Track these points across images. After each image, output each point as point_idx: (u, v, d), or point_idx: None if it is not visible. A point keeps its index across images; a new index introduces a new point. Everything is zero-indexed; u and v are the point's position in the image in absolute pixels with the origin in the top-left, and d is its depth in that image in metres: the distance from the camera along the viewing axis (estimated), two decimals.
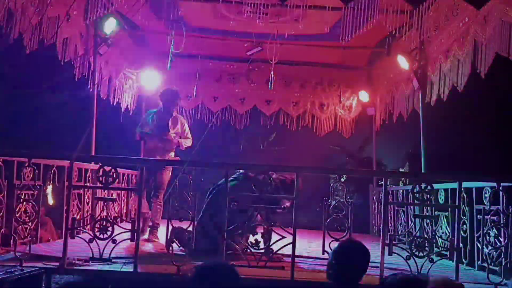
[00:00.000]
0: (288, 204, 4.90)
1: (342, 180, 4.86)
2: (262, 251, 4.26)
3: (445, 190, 5.20)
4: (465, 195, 4.75)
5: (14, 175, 4.49)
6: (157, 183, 5.94)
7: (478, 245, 4.69)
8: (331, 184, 4.45)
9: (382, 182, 4.48)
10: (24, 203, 4.42)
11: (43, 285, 3.89)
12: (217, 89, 8.81)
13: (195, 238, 4.53)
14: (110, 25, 6.32)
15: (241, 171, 5.20)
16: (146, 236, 5.73)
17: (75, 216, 5.33)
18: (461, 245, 4.59)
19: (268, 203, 4.51)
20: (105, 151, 5.96)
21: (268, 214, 4.57)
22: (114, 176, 4.24)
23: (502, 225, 4.34)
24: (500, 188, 4.26)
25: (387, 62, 7.49)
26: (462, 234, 4.81)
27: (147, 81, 7.98)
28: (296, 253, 4.19)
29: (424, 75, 6.33)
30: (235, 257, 4.32)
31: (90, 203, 5.94)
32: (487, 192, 4.49)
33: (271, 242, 4.26)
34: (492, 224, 4.39)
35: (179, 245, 4.59)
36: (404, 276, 2.94)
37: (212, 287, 2.53)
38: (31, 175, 4.43)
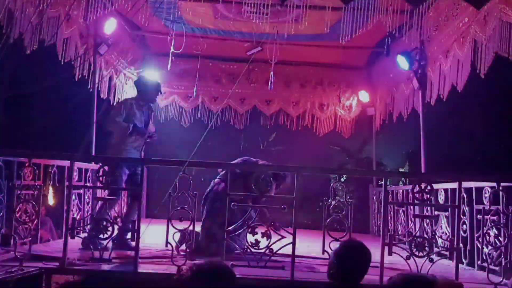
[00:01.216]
0: (273, 192, 4.97)
1: (342, 180, 4.86)
2: (262, 251, 4.26)
3: (445, 190, 5.20)
4: (465, 195, 4.75)
5: (14, 175, 4.50)
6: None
7: (478, 245, 4.68)
8: (331, 184, 4.44)
9: (382, 182, 4.48)
10: (24, 203, 4.41)
11: (43, 285, 3.89)
12: (217, 89, 8.81)
13: (204, 243, 4.76)
14: (110, 25, 6.31)
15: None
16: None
17: (75, 216, 5.34)
18: (461, 245, 4.59)
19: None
20: (105, 151, 5.94)
21: (263, 210, 4.70)
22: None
23: (502, 225, 4.34)
24: (500, 188, 4.26)
25: (387, 62, 7.49)
26: (462, 234, 4.81)
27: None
28: (296, 253, 4.19)
29: (424, 75, 6.33)
30: (235, 257, 4.33)
31: (90, 203, 5.95)
32: (487, 192, 4.49)
33: (271, 242, 4.25)
34: (492, 224, 4.39)
35: (180, 245, 4.59)
36: (410, 276, 2.92)
37: (208, 287, 2.52)
38: (31, 175, 4.43)
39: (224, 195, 4.45)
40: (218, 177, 5.39)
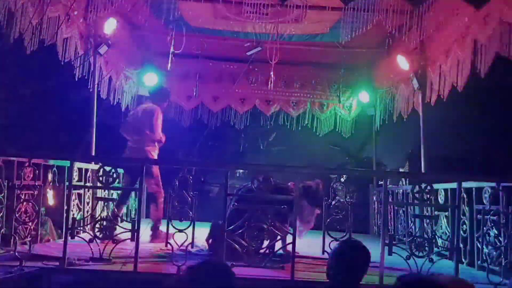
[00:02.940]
0: (316, 214, 4.89)
1: (342, 180, 4.86)
2: (262, 251, 4.26)
3: (445, 190, 5.20)
4: (465, 195, 4.75)
5: (14, 175, 4.50)
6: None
7: (478, 245, 4.69)
8: (331, 184, 4.44)
9: (382, 182, 4.48)
10: (24, 203, 4.41)
11: (43, 285, 3.89)
12: (217, 89, 8.80)
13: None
14: (110, 25, 6.31)
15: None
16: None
17: (75, 216, 5.34)
18: (461, 245, 4.58)
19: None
20: (105, 151, 5.94)
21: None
22: (114, 176, 4.24)
23: (502, 225, 4.34)
24: (500, 188, 4.26)
25: (387, 62, 7.49)
26: (462, 234, 4.81)
27: (147, 81, 7.98)
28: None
29: (424, 75, 6.34)
30: (235, 257, 4.32)
31: (90, 203, 5.95)
32: (487, 192, 4.49)
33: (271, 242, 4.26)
34: (492, 224, 4.39)
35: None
36: (417, 277, 2.88)
37: (206, 287, 2.52)
38: (31, 175, 4.43)
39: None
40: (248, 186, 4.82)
